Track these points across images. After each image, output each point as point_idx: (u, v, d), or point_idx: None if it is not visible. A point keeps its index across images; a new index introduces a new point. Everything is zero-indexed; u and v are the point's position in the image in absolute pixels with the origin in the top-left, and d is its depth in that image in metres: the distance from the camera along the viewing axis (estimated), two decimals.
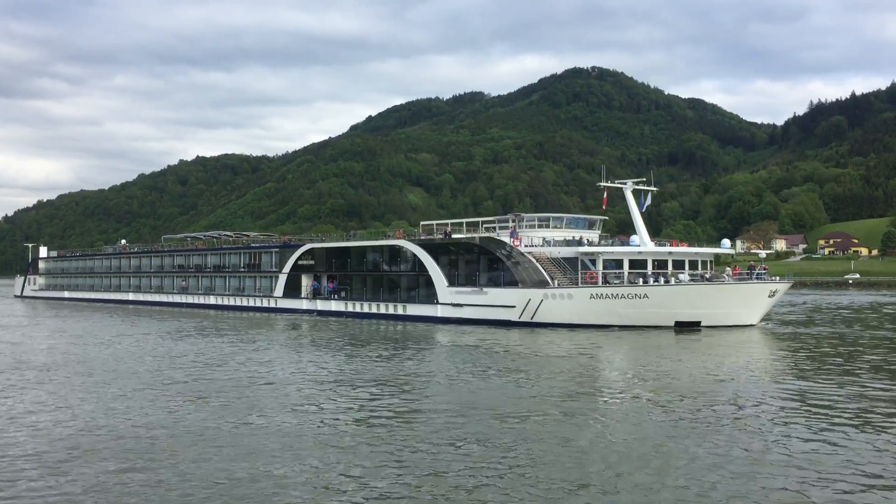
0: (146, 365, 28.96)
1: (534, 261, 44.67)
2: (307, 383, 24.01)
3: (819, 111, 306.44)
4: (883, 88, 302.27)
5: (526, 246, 46.46)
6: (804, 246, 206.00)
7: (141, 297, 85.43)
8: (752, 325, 42.09)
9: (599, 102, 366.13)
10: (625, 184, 48.60)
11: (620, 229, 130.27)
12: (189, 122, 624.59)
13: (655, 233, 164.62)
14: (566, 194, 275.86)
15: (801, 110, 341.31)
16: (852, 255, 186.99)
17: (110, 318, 58.91)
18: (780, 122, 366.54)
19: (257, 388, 23.26)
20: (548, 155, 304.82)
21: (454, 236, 51.74)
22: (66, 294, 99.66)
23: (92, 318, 60.14)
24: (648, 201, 48.75)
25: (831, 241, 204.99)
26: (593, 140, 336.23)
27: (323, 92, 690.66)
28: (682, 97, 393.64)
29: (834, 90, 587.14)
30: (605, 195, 50.29)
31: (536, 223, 50.58)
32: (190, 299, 77.05)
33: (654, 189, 49.37)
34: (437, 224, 58.57)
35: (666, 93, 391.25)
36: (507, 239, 47.06)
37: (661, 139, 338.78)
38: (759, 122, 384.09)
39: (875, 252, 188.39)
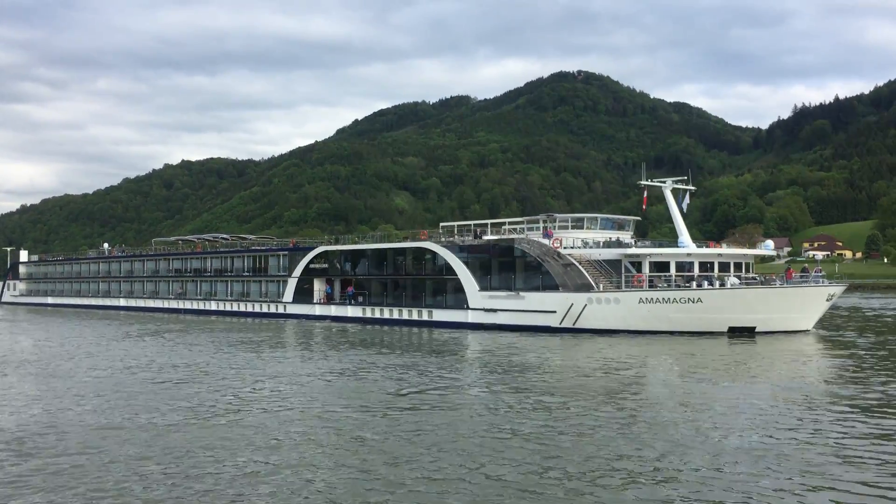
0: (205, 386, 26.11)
1: (576, 263, 42.27)
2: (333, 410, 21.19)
3: (803, 115, 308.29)
4: (866, 93, 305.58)
5: (565, 248, 44.05)
6: (789, 249, 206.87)
7: (133, 302, 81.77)
8: (807, 331, 40.02)
9: (585, 106, 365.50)
10: (664, 182, 46.46)
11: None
12: (173, 126, 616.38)
13: (642, 235, 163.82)
14: (553, 198, 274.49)
15: (784, 114, 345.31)
16: (836, 258, 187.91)
17: (105, 327, 55.60)
18: (762, 125, 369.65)
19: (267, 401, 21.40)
20: (534, 158, 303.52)
21: (486, 237, 49.15)
22: (50, 300, 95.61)
23: (82, 325, 56.79)
24: (688, 200, 46.63)
25: (816, 244, 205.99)
26: (580, 143, 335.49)
27: (307, 96, 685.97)
28: (668, 101, 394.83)
29: (816, 94, 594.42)
30: (644, 194, 48.04)
31: (570, 224, 48.24)
32: (188, 305, 73.67)
33: (693, 188, 47.30)
34: (458, 225, 56.02)
35: (651, 96, 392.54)
36: (545, 240, 44.60)
37: (646, 143, 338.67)
38: (743, 125, 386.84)
39: (859, 255, 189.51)
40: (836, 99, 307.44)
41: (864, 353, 31.74)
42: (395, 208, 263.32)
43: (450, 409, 20.11)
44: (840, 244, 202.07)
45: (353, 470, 14.36)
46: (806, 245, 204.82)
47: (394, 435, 17.08)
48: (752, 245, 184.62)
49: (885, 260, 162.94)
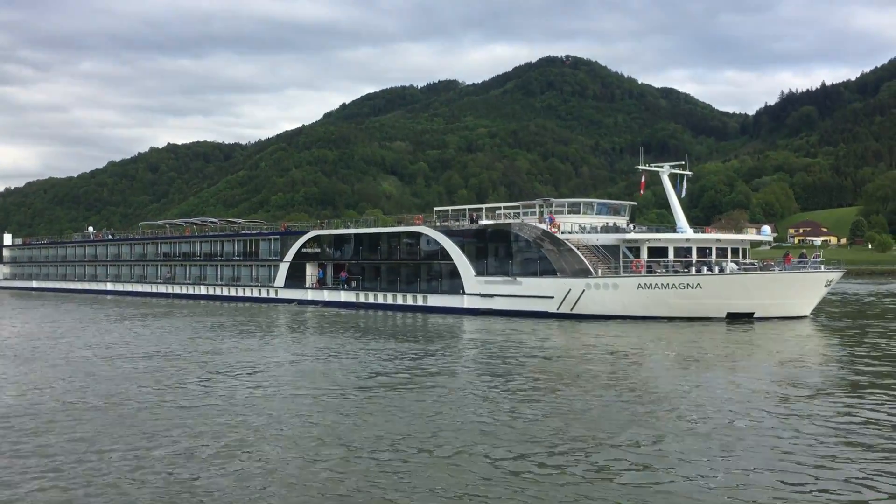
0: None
1: (574, 248, 41.94)
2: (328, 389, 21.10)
3: (790, 101, 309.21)
4: (852, 79, 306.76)
5: (563, 233, 43.70)
6: (774, 235, 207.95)
7: (121, 287, 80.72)
8: (805, 317, 40.00)
9: (573, 91, 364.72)
10: (661, 167, 46.15)
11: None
12: (157, 109, 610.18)
13: (629, 220, 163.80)
14: (540, 183, 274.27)
15: (770, 100, 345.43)
16: (822, 244, 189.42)
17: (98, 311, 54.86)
18: (749, 111, 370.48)
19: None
20: (522, 143, 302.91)
21: (483, 222, 48.71)
22: (35, 284, 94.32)
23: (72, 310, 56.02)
24: (685, 186, 46.32)
25: (801, 230, 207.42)
26: (567, 129, 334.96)
27: (294, 79, 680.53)
28: (655, 86, 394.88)
29: (802, 81, 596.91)
30: (643, 179, 47.71)
31: (566, 209, 47.88)
32: (177, 289, 72.85)
33: (690, 174, 47.02)
34: (452, 210, 55.48)
35: (639, 82, 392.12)
36: (543, 225, 44.22)
37: (634, 128, 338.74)
38: (730, 111, 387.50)
39: (844, 241, 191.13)
40: (823, 85, 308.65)
41: (860, 338, 31.73)
42: (383, 193, 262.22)
43: (435, 393, 19.99)
44: (825, 230, 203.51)
45: (331, 453, 14.27)
46: (791, 231, 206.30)
47: (373, 416, 17.15)
48: (739, 230, 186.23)
49: (870, 246, 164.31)
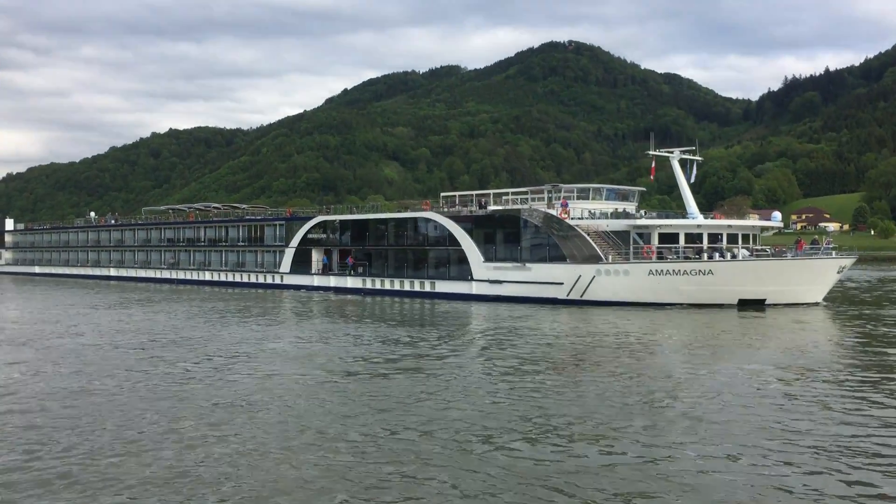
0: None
1: (584, 234, 41.64)
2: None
3: (793, 87, 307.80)
4: (856, 64, 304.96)
5: (572, 218, 43.38)
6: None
7: (124, 272, 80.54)
8: (816, 304, 39.77)
9: (576, 77, 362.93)
10: (671, 153, 45.76)
11: None
12: (159, 94, 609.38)
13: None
14: (542, 169, 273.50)
15: (773, 86, 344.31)
16: (823, 230, 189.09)
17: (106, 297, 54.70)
18: (752, 97, 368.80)
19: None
20: (524, 129, 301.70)
21: (491, 208, 48.38)
22: (37, 269, 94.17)
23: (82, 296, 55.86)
24: (695, 171, 45.92)
25: (803, 216, 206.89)
26: (570, 114, 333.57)
27: (295, 64, 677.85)
28: (658, 72, 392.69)
29: (805, 66, 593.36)
30: (653, 164, 47.34)
31: (575, 195, 47.52)
32: (181, 275, 72.66)
33: (700, 159, 46.62)
34: (459, 195, 55.13)
35: (642, 67, 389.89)
36: (552, 211, 43.89)
37: (637, 114, 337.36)
38: (733, 97, 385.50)
39: (846, 227, 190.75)
40: (827, 71, 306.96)
41: (873, 324, 31.49)
42: (385, 178, 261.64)
43: (435, 379, 19.89)
44: (828, 216, 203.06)
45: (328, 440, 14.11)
46: (794, 217, 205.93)
47: (372, 400, 17.14)
48: (741, 216, 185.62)
49: (872, 232, 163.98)
